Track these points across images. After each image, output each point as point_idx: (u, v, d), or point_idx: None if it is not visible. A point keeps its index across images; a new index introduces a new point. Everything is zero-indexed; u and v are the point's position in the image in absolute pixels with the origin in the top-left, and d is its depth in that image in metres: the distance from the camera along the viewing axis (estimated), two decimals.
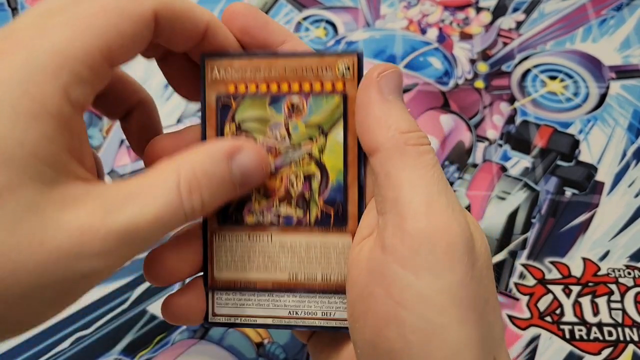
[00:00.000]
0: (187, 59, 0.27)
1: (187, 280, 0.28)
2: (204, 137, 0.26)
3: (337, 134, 0.26)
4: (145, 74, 0.60)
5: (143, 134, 0.29)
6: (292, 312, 0.27)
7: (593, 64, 0.59)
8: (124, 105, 0.29)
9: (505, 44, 0.62)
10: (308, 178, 0.26)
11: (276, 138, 0.26)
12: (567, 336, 0.43)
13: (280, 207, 0.26)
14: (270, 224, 0.26)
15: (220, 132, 0.26)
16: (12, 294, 0.19)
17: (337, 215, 0.26)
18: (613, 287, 0.45)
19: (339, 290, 0.26)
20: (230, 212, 0.26)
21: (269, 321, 0.27)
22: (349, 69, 0.25)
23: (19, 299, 0.19)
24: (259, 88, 0.25)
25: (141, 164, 0.55)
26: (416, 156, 0.23)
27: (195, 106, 0.59)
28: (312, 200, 0.26)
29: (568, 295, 0.45)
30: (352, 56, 0.25)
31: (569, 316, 0.44)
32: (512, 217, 0.49)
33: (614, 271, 0.46)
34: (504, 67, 0.60)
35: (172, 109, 0.59)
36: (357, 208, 0.26)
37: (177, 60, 0.27)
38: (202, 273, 0.27)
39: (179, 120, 0.58)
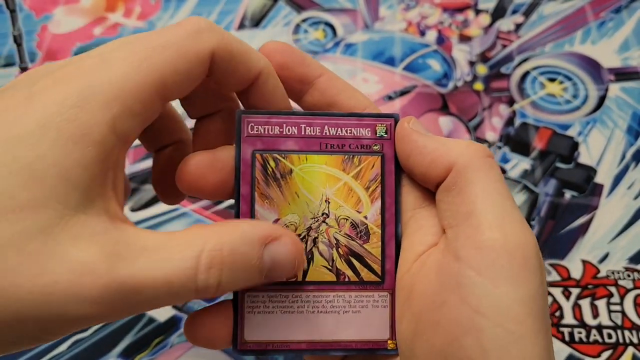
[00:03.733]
0: (223, 125, 0.28)
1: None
2: (237, 192, 0.26)
3: (375, 192, 0.26)
4: None
5: (169, 171, 0.29)
6: (327, 335, 0.26)
7: (592, 66, 0.59)
8: (164, 140, 0.29)
9: (504, 46, 0.62)
10: (345, 235, 0.26)
11: (311, 199, 0.26)
12: (567, 339, 0.43)
13: (316, 265, 0.26)
14: (305, 282, 0.26)
15: (252, 187, 0.26)
16: None
17: (374, 273, 0.26)
18: (612, 289, 0.45)
19: (376, 346, 0.26)
20: None
21: (303, 346, 0.26)
22: (386, 131, 0.26)
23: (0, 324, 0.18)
24: (297, 145, 0.26)
25: (138, 166, 0.55)
26: (488, 169, 0.24)
27: None
28: (350, 257, 0.26)
29: (567, 297, 0.45)
30: (390, 119, 0.26)
31: (569, 319, 0.44)
32: None
33: (613, 273, 0.46)
34: (503, 69, 0.60)
35: None
36: (395, 264, 0.26)
37: (214, 124, 0.28)
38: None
39: None
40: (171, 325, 0.45)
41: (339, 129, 0.26)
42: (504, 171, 0.53)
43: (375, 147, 0.26)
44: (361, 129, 0.26)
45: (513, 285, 0.21)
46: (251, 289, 0.26)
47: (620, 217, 0.49)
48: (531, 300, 0.21)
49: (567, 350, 0.43)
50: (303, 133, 0.26)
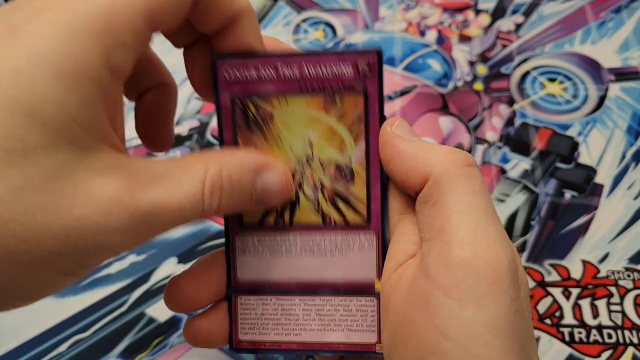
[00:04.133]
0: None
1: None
2: (220, 139, 0.26)
3: (359, 133, 0.26)
4: None
5: (153, 117, 0.28)
6: (316, 337, 0.27)
7: (592, 66, 0.59)
8: (145, 84, 0.28)
9: (504, 46, 0.62)
10: (330, 178, 0.26)
11: (296, 141, 0.26)
12: (567, 339, 0.43)
13: (302, 208, 0.26)
14: (292, 225, 0.26)
15: (235, 134, 0.26)
16: (30, 257, 0.18)
17: (360, 213, 0.26)
18: (613, 289, 0.45)
19: (363, 289, 0.26)
20: (253, 215, 0.26)
21: (294, 346, 0.26)
22: (369, 66, 0.25)
23: (36, 263, 0.18)
24: (276, 87, 0.25)
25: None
26: (465, 180, 0.23)
27: (194, 108, 0.59)
28: (336, 200, 0.26)
29: (567, 297, 0.45)
30: (372, 54, 0.25)
31: (569, 319, 0.44)
32: (512, 219, 0.49)
33: (613, 273, 0.46)
34: (503, 69, 0.60)
35: None
36: (380, 205, 0.26)
37: (203, 52, 0.26)
38: (224, 300, 0.27)
39: (177, 122, 0.58)
40: (171, 325, 0.45)
41: (319, 68, 0.25)
42: (504, 171, 0.53)
43: (357, 85, 0.25)
44: (342, 66, 0.25)
45: (480, 307, 0.20)
46: (241, 232, 0.26)
47: (620, 217, 0.49)
48: (500, 320, 0.20)
49: (567, 350, 0.43)
50: (282, 75, 0.25)
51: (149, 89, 0.28)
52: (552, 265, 0.47)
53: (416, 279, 0.23)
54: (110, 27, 0.19)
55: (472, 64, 0.61)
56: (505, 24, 0.64)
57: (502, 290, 0.21)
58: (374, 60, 0.25)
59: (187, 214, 0.21)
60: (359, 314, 0.26)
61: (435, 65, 0.60)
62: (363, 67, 0.25)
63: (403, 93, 0.57)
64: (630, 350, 0.42)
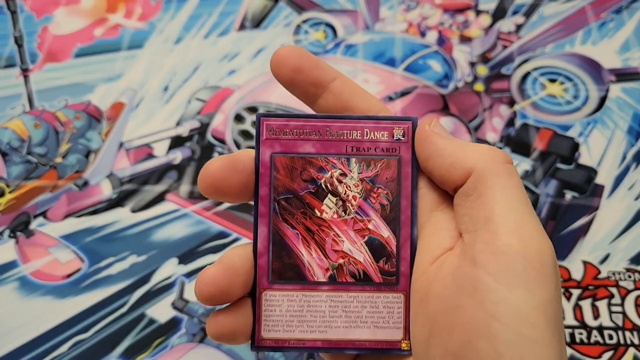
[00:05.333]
0: None
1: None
2: (256, 192, 0.27)
3: (392, 194, 0.27)
4: (145, 75, 0.60)
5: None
6: (342, 334, 0.27)
7: (593, 67, 0.59)
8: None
9: (504, 47, 0.62)
10: (361, 237, 0.27)
11: (331, 200, 0.27)
12: (568, 340, 0.43)
13: (334, 269, 0.27)
14: (321, 282, 0.27)
15: (271, 190, 0.27)
16: None
17: (389, 274, 0.27)
18: (613, 290, 0.45)
19: (389, 347, 0.27)
20: (281, 271, 0.27)
21: (319, 344, 0.27)
22: (404, 134, 0.27)
23: None
24: (314, 148, 0.27)
25: (139, 167, 0.55)
26: (507, 176, 0.24)
27: (194, 108, 0.59)
28: (366, 260, 0.27)
29: (568, 298, 0.45)
30: (408, 123, 0.27)
31: (570, 319, 0.44)
32: None
33: (614, 274, 0.46)
34: (503, 70, 0.60)
35: (172, 112, 0.59)
36: (410, 266, 0.27)
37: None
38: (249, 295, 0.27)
39: (178, 123, 0.58)
40: (172, 326, 0.45)
41: (357, 132, 0.27)
42: None
43: (392, 150, 0.27)
44: (378, 132, 0.27)
45: (529, 291, 0.21)
46: (267, 288, 0.27)
47: (621, 218, 0.49)
48: (546, 305, 0.21)
49: (568, 351, 0.43)
50: (321, 136, 0.27)
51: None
52: None
53: (461, 267, 0.24)
54: None
55: (472, 64, 0.61)
56: (506, 24, 0.64)
57: (548, 277, 0.22)
58: (409, 128, 0.27)
59: None
60: (386, 311, 0.27)
61: (436, 66, 0.60)
62: (398, 134, 0.27)
63: (404, 94, 0.57)
64: (631, 351, 0.42)
